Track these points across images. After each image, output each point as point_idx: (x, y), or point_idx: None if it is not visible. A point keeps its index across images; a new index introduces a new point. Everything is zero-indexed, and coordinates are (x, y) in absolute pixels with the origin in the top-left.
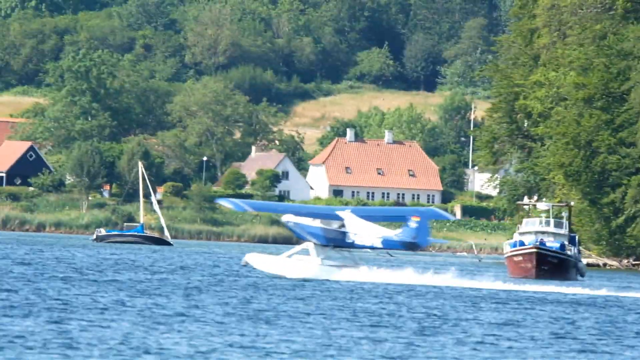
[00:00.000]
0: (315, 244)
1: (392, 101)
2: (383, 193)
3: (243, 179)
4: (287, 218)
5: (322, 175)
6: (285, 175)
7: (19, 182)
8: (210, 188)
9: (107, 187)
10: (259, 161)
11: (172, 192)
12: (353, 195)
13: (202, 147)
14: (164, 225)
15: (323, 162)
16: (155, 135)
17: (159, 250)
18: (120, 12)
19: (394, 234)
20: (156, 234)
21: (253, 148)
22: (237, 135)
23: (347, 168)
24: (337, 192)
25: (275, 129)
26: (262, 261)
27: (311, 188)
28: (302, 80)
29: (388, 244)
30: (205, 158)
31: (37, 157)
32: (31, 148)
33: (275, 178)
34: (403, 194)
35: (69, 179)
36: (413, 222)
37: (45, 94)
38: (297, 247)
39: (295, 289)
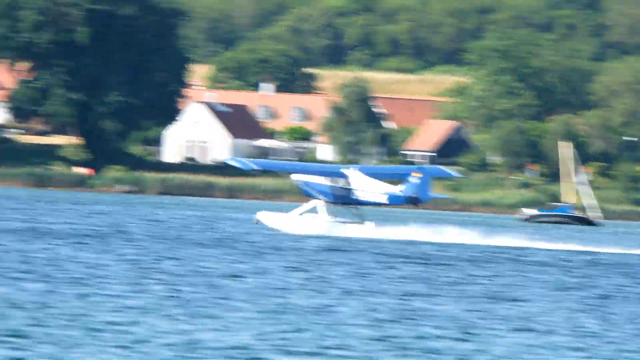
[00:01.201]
0: (323, 201)
1: None
2: None
3: None
4: (296, 177)
5: None
6: None
7: (445, 161)
8: (635, 168)
9: (532, 166)
10: None
11: (597, 172)
12: None
13: (626, 127)
14: (588, 205)
15: None
16: (579, 114)
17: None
18: None
19: (397, 189)
20: (583, 214)
21: None
22: None
23: None
24: None
25: None
26: (273, 219)
27: None
28: None
29: (392, 200)
30: (630, 138)
31: (463, 137)
32: (457, 127)
33: None
34: None
35: (494, 159)
36: (414, 178)
37: (468, 72)
38: (307, 205)
39: None
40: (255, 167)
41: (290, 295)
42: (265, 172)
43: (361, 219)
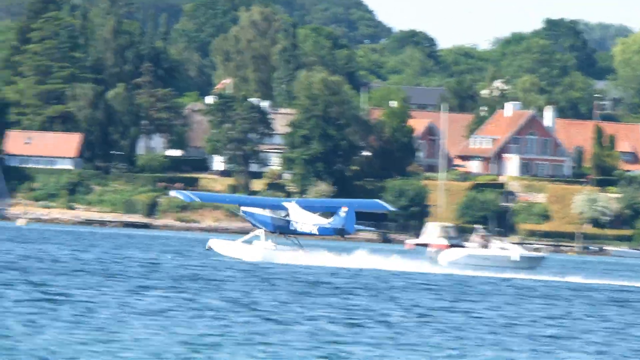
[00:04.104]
0: (265, 230)
1: None
2: None
3: None
4: (243, 208)
5: None
6: None
7: None
8: None
9: None
10: None
11: None
12: None
13: None
14: None
15: None
16: None
17: None
18: None
19: (327, 222)
20: None
21: None
22: None
23: None
24: None
25: None
26: (222, 246)
27: None
28: None
29: (322, 231)
30: None
31: None
32: None
33: None
34: None
35: None
36: (342, 212)
37: None
38: (250, 234)
39: None
40: (196, 199)
41: None
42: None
43: (299, 247)
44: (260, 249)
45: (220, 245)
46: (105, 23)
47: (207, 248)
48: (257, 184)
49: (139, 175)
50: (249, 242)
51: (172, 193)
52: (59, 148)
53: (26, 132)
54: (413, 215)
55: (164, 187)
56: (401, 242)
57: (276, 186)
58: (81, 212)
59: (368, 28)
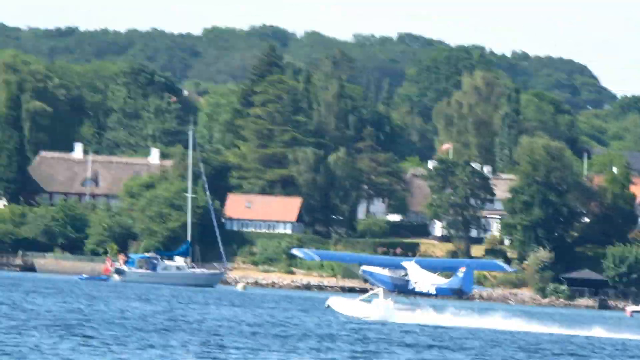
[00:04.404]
0: (384, 289)
1: None
2: None
3: None
4: (363, 267)
5: None
6: None
7: None
8: None
9: None
10: None
11: None
12: None
13: None
14: None
15: None
16: None
17: None
18: None
19: (445, 282)
20: None
21: None
22: None
23: None
24: None
25: None
26: (341, 304)
27: None
28: None
29: (440, 291)
30: None
31: None
32: None
33: None
34: None
35: None
36: (460, 272)
37: None
38: (370, 293)
39: None
40: (316, 257)
41: None
42: None
43: (416, 307)
44: (379, 308)
45: (339, 304)
46: (328, 87)
47: (326, 307)
48: (477, 250)
49: (359, 240)
50: (368, 300)
51: (294, 251)
52: (279, 212)
53: (247, 195)
54: (633, 282)
55: (384, 253)
56: (621, 309)
57: (495, 252)
58: (300, 277)
59: (591, 93)
